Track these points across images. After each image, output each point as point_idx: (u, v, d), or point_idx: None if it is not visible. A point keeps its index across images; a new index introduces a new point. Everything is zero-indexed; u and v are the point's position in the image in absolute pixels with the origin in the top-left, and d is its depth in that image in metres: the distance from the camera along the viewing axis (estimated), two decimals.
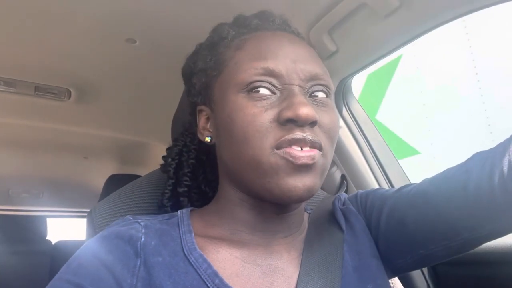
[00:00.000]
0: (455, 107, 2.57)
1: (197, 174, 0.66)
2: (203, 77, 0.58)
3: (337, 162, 1.11)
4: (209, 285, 0.46)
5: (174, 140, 0.70)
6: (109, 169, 2.13)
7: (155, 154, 1.93)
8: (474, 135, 2.43)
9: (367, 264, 0.55)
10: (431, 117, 2.71)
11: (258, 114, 0.49)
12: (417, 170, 2.62)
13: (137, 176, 1.18)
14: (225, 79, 0.54)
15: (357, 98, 1.15)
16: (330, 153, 0.53)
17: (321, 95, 0.54)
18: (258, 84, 0.50)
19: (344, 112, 1.11)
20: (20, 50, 1.14)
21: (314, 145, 0.49)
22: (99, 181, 1.92)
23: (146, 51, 1.13)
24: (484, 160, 0.49)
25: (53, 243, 2.37)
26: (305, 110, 0.48)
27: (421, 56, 2.78)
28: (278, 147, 0.48)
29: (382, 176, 1.07)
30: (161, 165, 0.69)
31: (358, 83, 3.13)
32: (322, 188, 1.05)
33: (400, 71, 2.93)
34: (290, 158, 0.48)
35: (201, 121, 0.59)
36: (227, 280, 0.47)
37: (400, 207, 0.56)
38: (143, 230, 0.51)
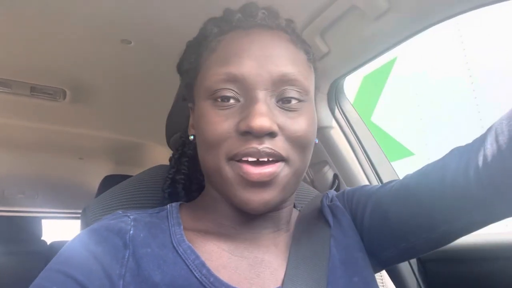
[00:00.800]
0: (449, 109, 2.59)
1: (195, 163, 0.66)
2: (187, 78, 0.59)
3: (330, 161, 1.12)
4: (196, 275, 0.47)
5: (181, 133, 0.72)
6: (104, 169, 2.13)
7: (150, 154, 1.94)
8: (468, 137, 2.44)
9: (354, 258, 0.56)
10: (426, 119, 2.73)
11: (218, 123, 0.49)
12: (411, 171, 2.64)
13: None
14: (198, 83, 0.54)
15: (352, 100, 1.17)
16: (301, 159, 0.51)
17: (293, 100, 0.51)
18: (221, 93, 0.49)
19: (337, 112, 1.12)
20: (16, 50, 1.14)
21: (272, 157, 0.48)
22: (94, 182, 1.91)
23: (141, 52, 1.14)
24: (461, 154, 0.51)
25: (48, 244, 2.37)
26: (259, 122, 0.46)
27: (415, 58, 2.80)
28: (231, 158, 0.48)
29: (373, 176, 1.09)
30: (170, 158, 0.72)
31: (353, 85, 3.15)
32: (314, 187, 1.07)
33: (395, 73, 2.95)
34: (242, 174, 0.47)
35: (191, 119, 0.61)
36: (214, 271, 0.48)
37: (384, 202, 0.57)
38: (132, 223, 0.52)
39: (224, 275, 0.48)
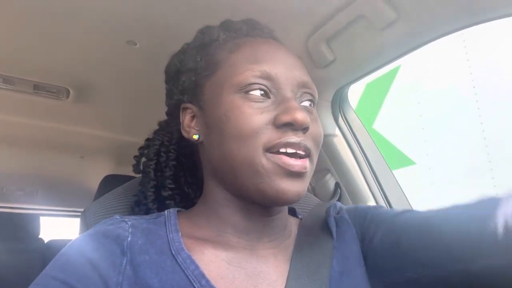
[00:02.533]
0: (451, 119, 2.59)
1: (178, 176, 0.66)
2: (193, 76, 0.59)
3: (332, 170, 1.12)
4: (195, 286, 0.46)
5: (148, 139, 0.69)
6: (104, 169, 2.12)
7: None
8: (469, 148, 2.45)
9: (354, 271, 0.56)
10: (428, 128, 2.73)
11: (254, 114, 0.51)
12: (412, 181, 2.63)
13: (132, 178, 1.18)
14: (219, 79, 0.55)
15: (355, 107, 1.17)
16: (316, 160, 0.55)
17: (308, 103, 0.56)
18: (255, 86, 0.52)
19: (340, 120, 1.12)
20: (21, 47, 1.14)
21: (306, 150, 0.51)
22: (94, 181, 1.91)
23: (146, 54, 1.13)
24: (494, 207, 0.47)
25: (45, 242, 2.36)
26: (301, 115, 0.49)
27: (419, 67, 2.80)
28: (271, 149, 0.50)
29: (375, 185, 1.08)
30: (134, 165, 0.68)
31: (356, 92, 3.15)
32: (315, 195, 1.06)
33: (398, 81, 2.95)
34: (282, 164, 0.49)
35: (186, 119, 0.60)
36: (213, 282, 0.48)
37: (398, 229, 0.55)
38: (130, 230, 0.51)
39: (221, 286, 0.48)
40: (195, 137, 0.58)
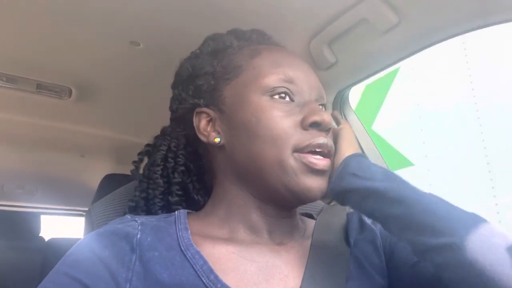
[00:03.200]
0: (450, 121, 2.60)
1: (186, 182, 0.66)
2: (211, 80, 0.60)
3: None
4: (204, 281, 0.47)
5: (148, 145, 0.69)
6: (105, 168, 2.12)
7: None
8: (468, 150, 2.46)
9: (371, 279, 0.56)
10: (427, 130, 2.74)
11: (284, 117, 0.54)
12: (411, 182, 2.64)
13: (133, 177, 1.19)
14: (243, 82, 0.57)
15: (354, 108, 1.18)
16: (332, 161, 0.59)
17: (321, 107, 0.60)
18: (281, 89, 0.55)
19: None
20: (23, 47, 1.14)
21: (330, 150, 0.56)
22: (95, 180, 1.91)
23: (150, 55, 1.14)
24: None
25: (46, 240, 2.36)
26: (327, 116, 0.54)
27: (418, 69, 2.81)
28: (299, 150, 0.53)
29: None
30: (133, 170, 0.68)
31: (355, 93, 3.15)
32: None
33: (397, 83, 2.96)
34: (308, 163, 0.52)
35: (202, 123, 0.60)
36: (223, 275, 0.48)
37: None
38: (139, 227, 0.52)
39: (232, 280, 0.49)
40: (217, 140, 0.58)
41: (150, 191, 0.64)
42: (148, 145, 0.69)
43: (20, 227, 2.26)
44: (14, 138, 1.83)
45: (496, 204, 2.29)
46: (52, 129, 1.73)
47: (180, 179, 0.64)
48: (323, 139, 0.54)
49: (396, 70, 2.93)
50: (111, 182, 1.71)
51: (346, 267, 0.55)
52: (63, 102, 1.46)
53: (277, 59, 0.58)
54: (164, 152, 0.65)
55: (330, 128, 0.55)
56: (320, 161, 0.53)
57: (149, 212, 0.63)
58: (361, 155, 0.58)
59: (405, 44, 0.85)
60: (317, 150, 0.54)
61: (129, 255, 0.49)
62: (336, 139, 0.61)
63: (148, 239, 0.51)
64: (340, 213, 0.67)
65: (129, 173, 1.97)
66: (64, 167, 2.19)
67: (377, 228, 0.63)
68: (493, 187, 2.32)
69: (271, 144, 0.53)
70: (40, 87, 1.36)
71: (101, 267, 0.47)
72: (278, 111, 0.54)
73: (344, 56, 0.96)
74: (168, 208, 0.64)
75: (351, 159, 0.56)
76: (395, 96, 2.98)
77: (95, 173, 2.09)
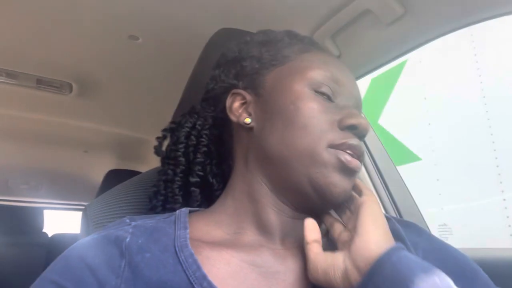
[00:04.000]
0: (457, 115, 2.56)
1: (205, 164, 0.63)
2: (256, 64, 0.60)
3: None
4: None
5: (173, 122, 0.66)
6: (108, 164, 2.12)
7: None
8: (476, 144, 2.43)
9: None
10: (434, 124, 2.71)
11: (322, 112, 0.53)
12: (417, 177, 2.62)
13: (136, 172, 1.18)
14: (288, 70, 0.57)
15: None
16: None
17: None
18: (325, 87, 0.55)
19: None
20: (23, 42, 1.14)
21: (361, 155, 0.53)
22: (98, 176, 1.92)
23: (149, 49, 1.13)
24: None
25: (49, 236, 2.37)
26: (365, 122, 0.53)
27: (425, 62, 2.77)
28: (334, 146, 0.51)
29: (379, 181, 1.07)
30: (156, 146, 0.66)
31: (361, 87, 3.12)
32: None
33: (404, 76, 2.92)
34: (343, 159, 0.51)
35: (235, 104, 0.59)
36: (220, 281, 0.46)
37: None
38: (130, 230, 0.50)
39: (229, 287, 0.46)
40: (248, 120, 0.57)
41: (170, 171, 0.62)
42: (173, 122, 0.67)
43: (23, 222, 2.27)
44: (17, 134, 1.84)
45: (504, 199, 2.26)
46: (54, 124, 1.73)
47: (202, 159, 0.62)
48: (356, 141, 0.52)
49: (403, 63, 2.89)
50: (114, 178, 1.71)
51: None
52: (64, 97, 1.45)
53: (326, 59, 0.58)
54: (188, 130, 0.63)
55: (365, 135, 0.54)
56: (354, 160, 0.51)
57: (166, 198, 0.62)
58: (398, 251, 0.42)
59: (411, 35, 0.82)
60: (348, 151, 0.51)
61: (119, 261, 0.47)
62: (355, 212, 0.50)
63: (139, 241, 0.49)
64: None
65: (133, 169, 1.97)
66: (67, 162, 2.19)
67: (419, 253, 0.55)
68: (500, 182, 2.29)
69: (306, 134, 0.51)
70: (40, 83, 1.36)
71: (89, 275, 0.45)
72: (318, 105, 0.53)
73: (348, 49, 0.93)
74: (186, 192, 0.62)
75: (383, 265, 0.41)
76: (402, 90, 2.94)
77: (98, 168, 2.10)
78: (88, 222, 0.69)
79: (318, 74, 0.55)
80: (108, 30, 1.04)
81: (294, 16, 0.90)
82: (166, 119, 0.82)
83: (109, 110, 1.62)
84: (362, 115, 0.59)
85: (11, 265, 1.99)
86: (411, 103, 2.87)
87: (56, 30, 1.06)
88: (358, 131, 0.53)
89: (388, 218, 0.60)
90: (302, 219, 0.52)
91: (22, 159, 2.09)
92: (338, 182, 0.50)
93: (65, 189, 2.29)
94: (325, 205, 0.53)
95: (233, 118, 0.58)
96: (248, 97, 0.59)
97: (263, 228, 0.53)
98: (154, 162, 0.76)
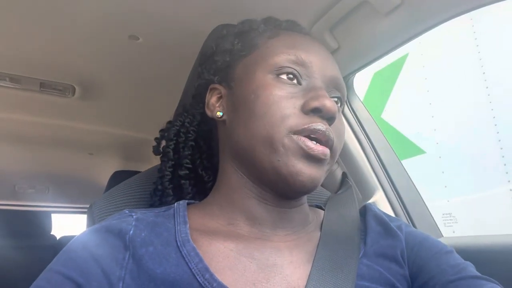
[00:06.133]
0: (461, 106, 2.55)
1: (195, 157, 0.66)
2: (227, 57, 0.61)
3: (339, 160, 1.11)
4: (199, 279, 0.45)
5: (169, 122, 0.69)
6: (113, 165, 2.14)
7: None
8: (480, 136, 2.41)
9: (387, 283, 0.51)
10: (437, 117, 2.69)
11: (284, 97, 0.51)
12: (422, 170, 2.61)
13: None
14: (254, 59, 0.56)
15: (363, 96, 1.15)
16: (335, 157, 0.55)
17: (335, 100, 0.57)
18: (288, 70, 0.53)
19: (346, 110, 1.10)
20: (26, 46, 1.15)
21: (329, 141, 0.51)
22: (104, 178, 1.93)
23: (149, 48, 1.13)
24: None
25: (57, 238, 2.39)
26: (331, 103, 0.50)
27: (427, 55, 2.76)
28: (296, 132, 0.50)
29: (383, 174, 1.07)
30: (154, 147, 0.68)
31: (363, 81, 3.11)
32: (323, 186, 1.05)
33: (406, 69, 2.91)
34: (303, 146, 0.49)
35: (212, 99, 0.60)
36: (220, 274, 0.46)
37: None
38: (133, 223, 0.51)
39: (229, 279, 0.46)
40: (219, 114, 0.58)
41: (163, 167, 0.64)
42: (168, 122, 0.69)
43: (32, 226, 2.30)
44: (23, 138, 1.85)
45: (511, 190, 2.24)
46: (59, 128, 1.74)
47: (189, 152, 0.64)
48: (321, 125, 0.50)
49: (405, 57, 2.88)
50: (120, 179, 1.71)
51: (357, 267, 0.50)
52: (67, 100, 1.47)
53: (294, 42, 0.57)
54: (177, 128, 0.65)
55: (332, 117, 0.51)
56: (317, 147, 0.50)
57: (163, 192, 0.64)
58: None
59: (409, 25, 0.82)
60: (312, 136, 0.50)
61: (123, 253, 0.48)
62: None
63: (142, 234, 0.50)
64: (351, 204, 0.64)
65: (138, 169, 1.98)
66: (73, 165, 2.21)
67: (403, 234, 0.58)
68: (507, 172, 2.27)
69: (267, 123, 0.50)
70: (44, 86, 1.37)
71: (95, 266, 0.45)
72: (280, 91, 0.52)
73: (347, 41, 0.93)
74: (177, 182, 0.64)
75: None
76: (405, 83, 2.93)
77: (104, 170, 2.11)
78: (94, 218, 0.70)
79: (280, 59, 0.54)
80: (108, 31, 1.05)
81: (292, 10, 0.90)
82: (168, 118, 0.83)
83: (112, 111, 1.63)
84: (336, 95, 0.57)
85: (21, 268, 2.01)
86: (414, 96, 2.86)
87: (57, 33, 1.07)
88: (324, 114, 0.50)
89: (368, 208, 0.62)
90: (289, 208, 0.55)
91: (28, 164, 2.11)
92: (301, 170, 0.49)
93: (72, 192, 2.30)
94: (296, 193, 0.53)
95: (208, 113, 0.60)
96: (223, 91, 0.60)
97: (252, 219, 0.54)
98: (158, 162, 0.77)
